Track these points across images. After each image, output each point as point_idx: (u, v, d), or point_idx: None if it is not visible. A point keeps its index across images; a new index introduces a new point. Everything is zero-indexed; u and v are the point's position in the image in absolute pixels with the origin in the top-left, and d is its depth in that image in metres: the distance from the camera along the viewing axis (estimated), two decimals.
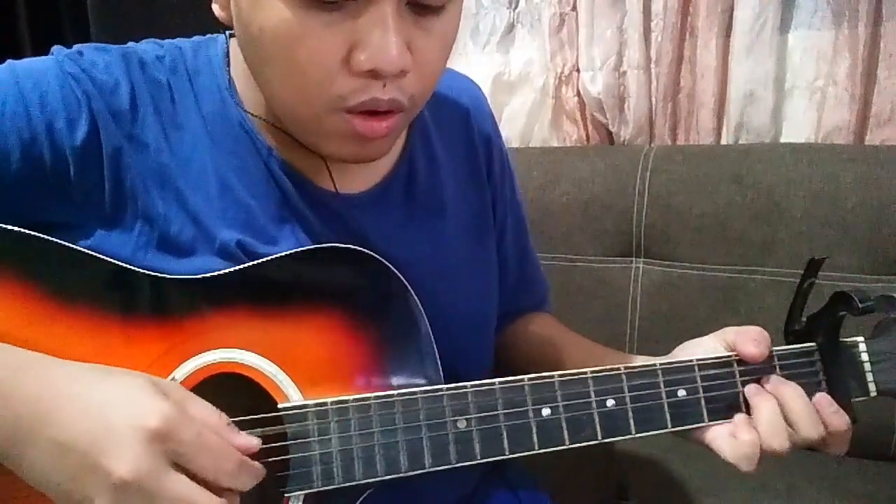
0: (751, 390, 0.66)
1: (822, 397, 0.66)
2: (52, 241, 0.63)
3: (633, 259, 1.39)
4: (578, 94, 1.55)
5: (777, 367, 0.68)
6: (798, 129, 1.40)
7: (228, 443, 0.55)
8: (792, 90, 1.40)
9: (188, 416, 0.53)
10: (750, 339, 0.67)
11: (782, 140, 1.43)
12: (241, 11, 0.60)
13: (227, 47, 0.72)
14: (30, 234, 0.63)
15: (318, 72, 0.58)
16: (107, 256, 0.65)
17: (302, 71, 0.58)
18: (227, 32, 0.73)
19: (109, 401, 0.53)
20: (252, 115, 0.70)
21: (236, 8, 0.61)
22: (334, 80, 0.58)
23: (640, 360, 0.69)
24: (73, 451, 0.51)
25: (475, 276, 0.83)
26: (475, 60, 1.63)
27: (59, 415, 0.52)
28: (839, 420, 0.65)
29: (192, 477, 0.52)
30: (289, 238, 0.70)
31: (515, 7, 1.60)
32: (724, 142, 1.46)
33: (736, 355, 0.67)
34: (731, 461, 0.64)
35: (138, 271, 0.65)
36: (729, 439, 0.65)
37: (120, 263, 0.65)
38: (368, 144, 0.63)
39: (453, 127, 0.84)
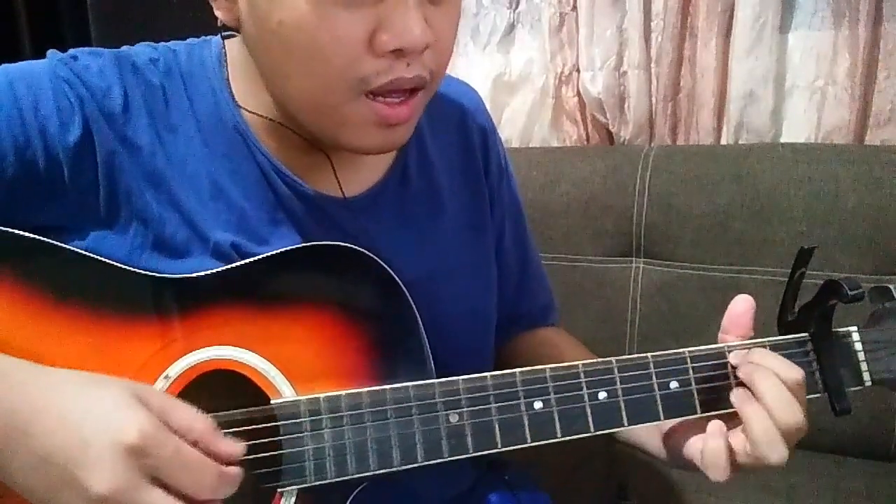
0: (739, 397, 0.65)
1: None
2: (46, 241, 0.64)
3: (633, 259, 1.38)
4: (578, 94, 1.54)
5: None
6: (798, 129, 1.40)
7: (209, 453, 0.54)
8: (792, 90, 1.39)
9: (167, 429, 0.52)
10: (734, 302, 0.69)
11: (782, 140, 1.42)
12: (256, 8, 0.60)
13: (223, 49, 0.73)
14: (23, 235, 0.63)
15: (342, 56, 0.59)
16: (103, 258, 0.65)
17: (326, 58, 0.59)
18: (221, 35, 0.73)
19: (87, 414, 0.52)
20: (254, 113, 0.70)
21: (248, 6, 0.61)
22: (359, 63, 0.59)
23: None
24: (51, 463, 0.51)
25: (472, 275, 0.83)
26: (475, 60, 1.63)
27: (37, 427, 0.52)
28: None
29: (171, 490, 0.51)
30: (282, 240, 0.70)
31: (516, 7, 1.60)
32: (724, 142, 1.45)
33: (727, 346, 0.68)
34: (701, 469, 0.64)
35: (132, 270, 0.65)
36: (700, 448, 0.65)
37: (114, 263, 0.65)
38: (391, 131, 0.64)
39: (449, 128, 0.84)
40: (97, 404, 0.53)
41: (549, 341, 0.93)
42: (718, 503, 1.14)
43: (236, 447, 0.56)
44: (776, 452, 0.61)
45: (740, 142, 1.42)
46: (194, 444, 0.53)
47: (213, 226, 0.69)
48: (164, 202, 0.68)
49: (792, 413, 0.61)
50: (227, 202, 0.70)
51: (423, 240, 0.78)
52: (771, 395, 0.62)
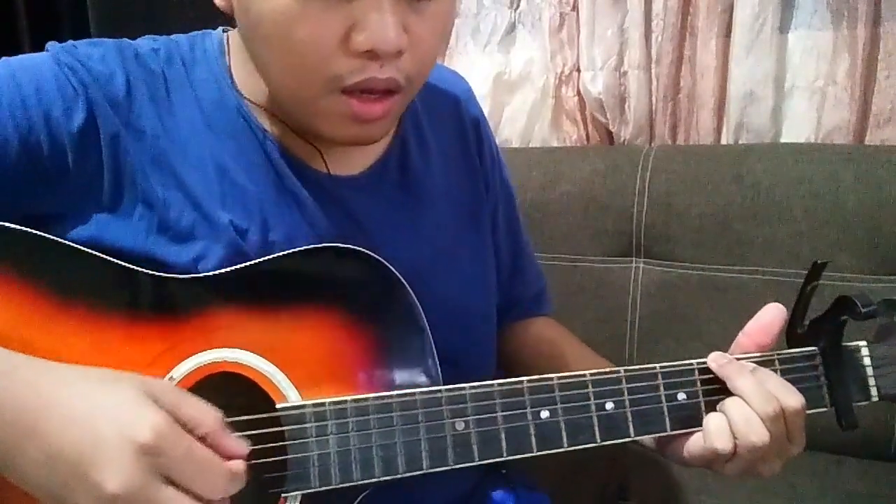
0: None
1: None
2: (51, 238, 0.64)
3: (633, 259, 1.38)
4: (579, 94, 1.54)
5: (778, 372, 0.67)
6: (798, 129, 1.40)
7: (216, 449, 0.54)
8: (792, 90, 1.39)
9: (180, 428, 0.52)
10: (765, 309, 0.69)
11: (782, 140, 1.42)
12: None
13: (225, 39, 0.74)
14: (29, 232, 0.63)
15: (316, 53, 0.59)
16: (107, 244, 0.65)
17: (300, 53, 0.60)
18: (222, 28, 0.75)
19: (98, 410, 0.52)
20: (250, 101, 0.71)
21: None
22: (332, 61, 0.60)
23: None
24: (62, 461, 0.50)
25: (471, 260, 0.84)
26: (476, 60, 1.63)
27: (47, 424, 0.51)
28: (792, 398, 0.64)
29: (181, 489, 0.51)
30: (285, 221, 0.71)
31: (517, 7, 1.59)
32: (724, 142, 1.45)
33: (736, 358, 0.67)
34: (708, 447, 0.64)
35: (138, 270, 0.65)
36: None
37: (120, 262, 0.65)
38: (366, 126, 0.65)
39: (444, 115, 0.85)
40: (108, 401, 0.53)
41: (546, 337, 0.94)
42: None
43: (242, 446, 0.56)
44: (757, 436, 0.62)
45: (740, 142, 1.42)
46: (202, 439, 0.54)
47: (218, 207, 0.69)
48: (169, 185, 0.68)
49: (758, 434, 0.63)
50: (232, 184, 0.70)
51: (422, 220, 0.79)
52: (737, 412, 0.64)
